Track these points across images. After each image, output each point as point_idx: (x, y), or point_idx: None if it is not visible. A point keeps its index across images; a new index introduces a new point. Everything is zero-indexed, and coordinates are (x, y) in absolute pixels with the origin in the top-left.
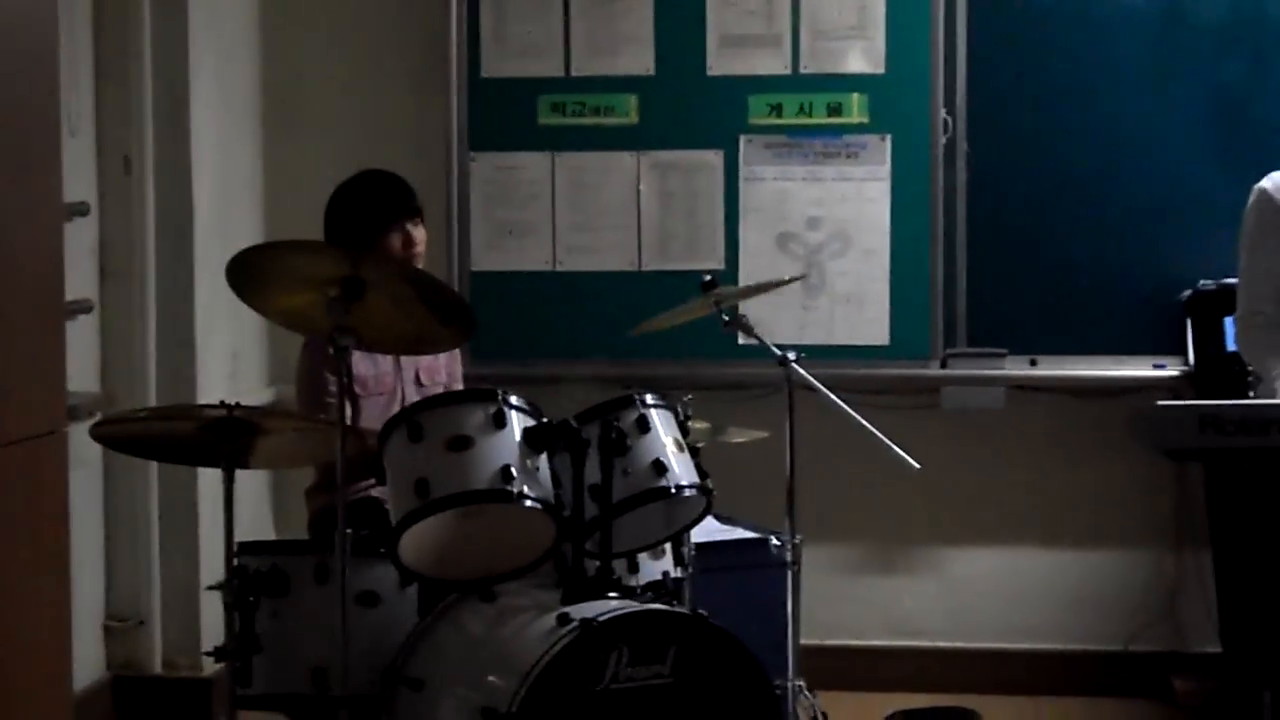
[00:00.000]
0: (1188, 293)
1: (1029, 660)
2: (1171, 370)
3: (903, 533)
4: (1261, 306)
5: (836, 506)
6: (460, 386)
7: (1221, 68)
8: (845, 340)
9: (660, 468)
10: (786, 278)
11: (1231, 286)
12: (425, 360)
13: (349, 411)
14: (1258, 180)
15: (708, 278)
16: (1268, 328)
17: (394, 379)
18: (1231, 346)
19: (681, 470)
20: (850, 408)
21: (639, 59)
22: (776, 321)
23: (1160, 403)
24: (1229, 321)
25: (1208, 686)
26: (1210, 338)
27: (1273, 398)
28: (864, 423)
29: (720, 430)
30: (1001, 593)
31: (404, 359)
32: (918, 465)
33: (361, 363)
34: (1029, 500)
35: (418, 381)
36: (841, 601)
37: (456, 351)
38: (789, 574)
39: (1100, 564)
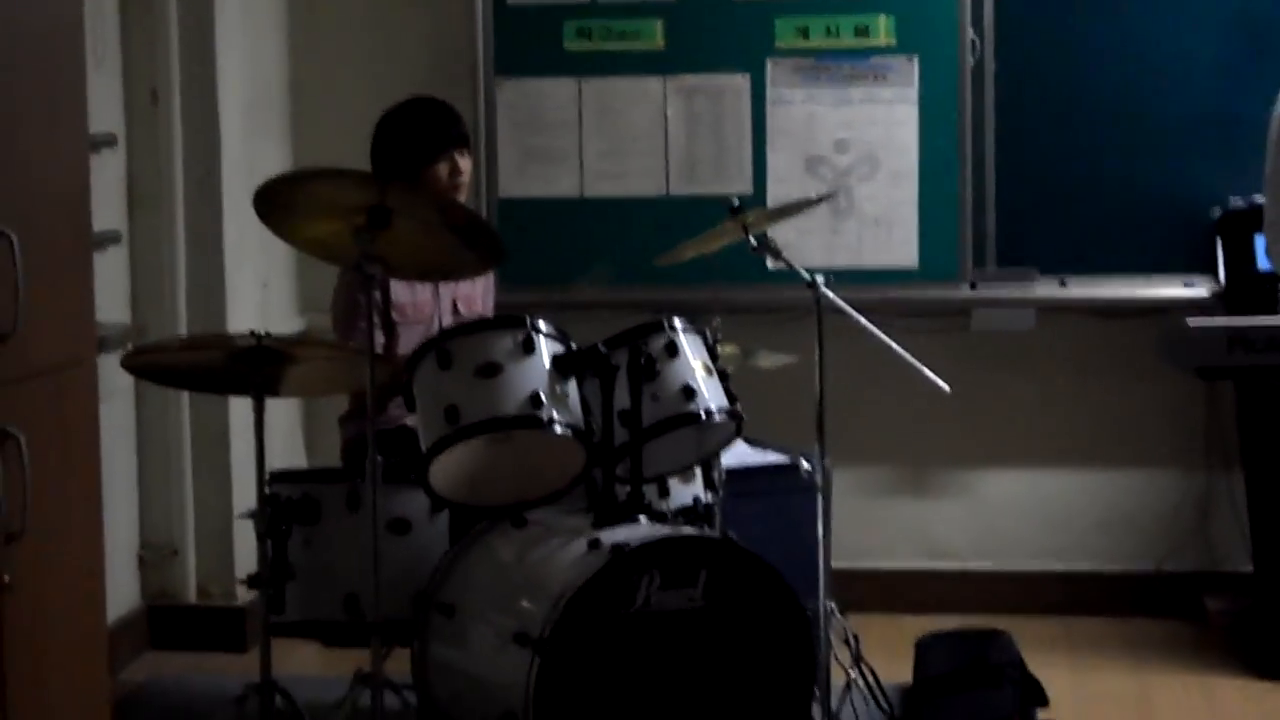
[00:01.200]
0: (1218, 211)
1: (1059, 581)
2: (1202, 289)
3: (933, 455)
4: None
5: (866, 430)
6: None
7: None
8: (874, 263)
9: (689, 392)
10: (814, 196)
11: (1262, 205)
12: (464, 289)
13: (387, 338)
14: None
15: (735, 202)
16: None
17: (432, 307)
18: (1263, 264)
19: (711, 395)
20: (879, 330)
21: None
22: (805, 245)
23: (1190, 321)
24: (1259, 239)
25: (1239, 605)
26: (1241, 256)
27: None
28: (893, 345)
29: (749, 354)
30: (1032, 514)
31: (442, 287)
32: (947, 387)
33: (401, 290)
34: (1059, 421)
35: (455, 310)
36: (872, 524)
37: (492, 280)
38: (819, 497)
39: (1131, 484)
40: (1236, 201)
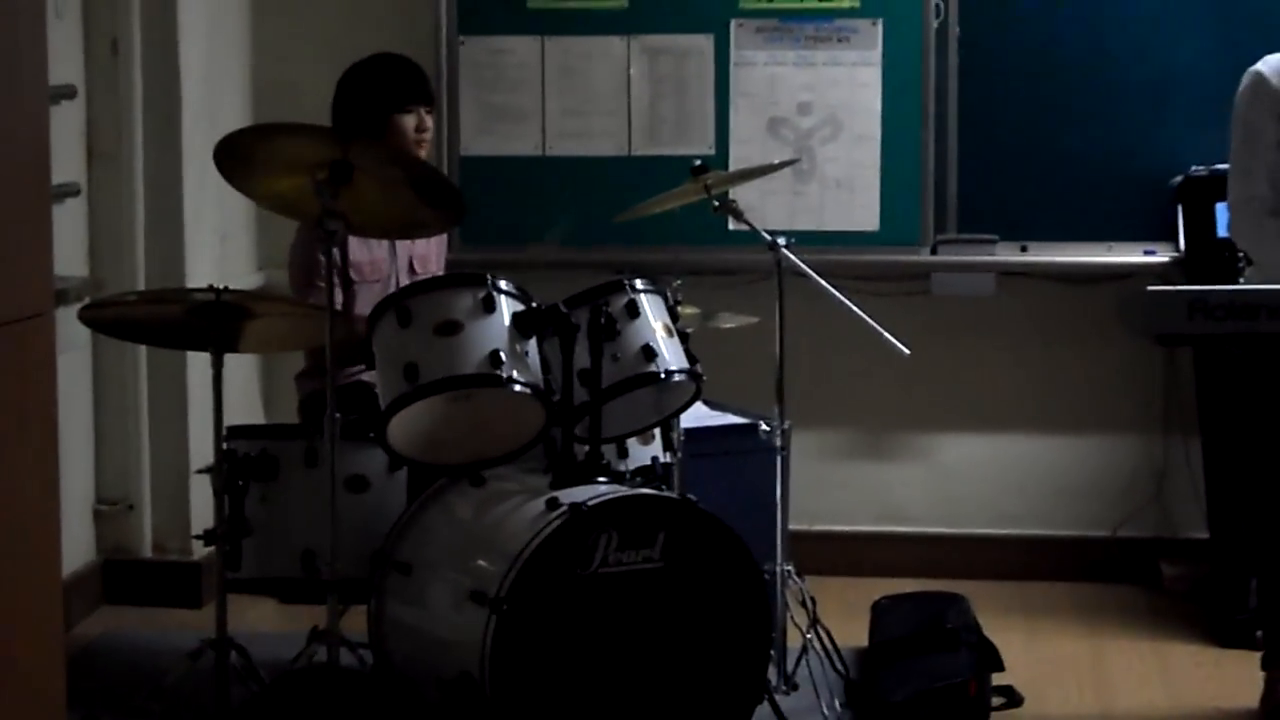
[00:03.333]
0: (1179, 178)
1: (1016, 546)
2: (1162, 256)
3: (892, 419)
4: (1257, 191)
5: (826, 392)
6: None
7: None
8: (836, 226)
9: (650, 353)
10: (777, 162)
11: (1223, 173)
12: (419, 248)
13: (344, 297)
14: (1250, 66)
15: (698, 163)
16: (1265, 213)
17: (388, 265)
18: (1223, 232)
19: (671, 355)
20: (840, 293)
21: None
22: (767, 207)
23: (1150, 288)
24: (1220, 207)
25: (1195, 572)
26: (1201, 223)
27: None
28: (854, 308)
29: (710, 316)
30: (990, 479)
31: (399, 246)
32: (907, 351)
33: (358, 249)
34: (1018, 386)
35: (411, 269)
36: (830, 487)
37: (444, 240)
38: (778, 459)
39: (1089, 450)
40: (1197, 169)
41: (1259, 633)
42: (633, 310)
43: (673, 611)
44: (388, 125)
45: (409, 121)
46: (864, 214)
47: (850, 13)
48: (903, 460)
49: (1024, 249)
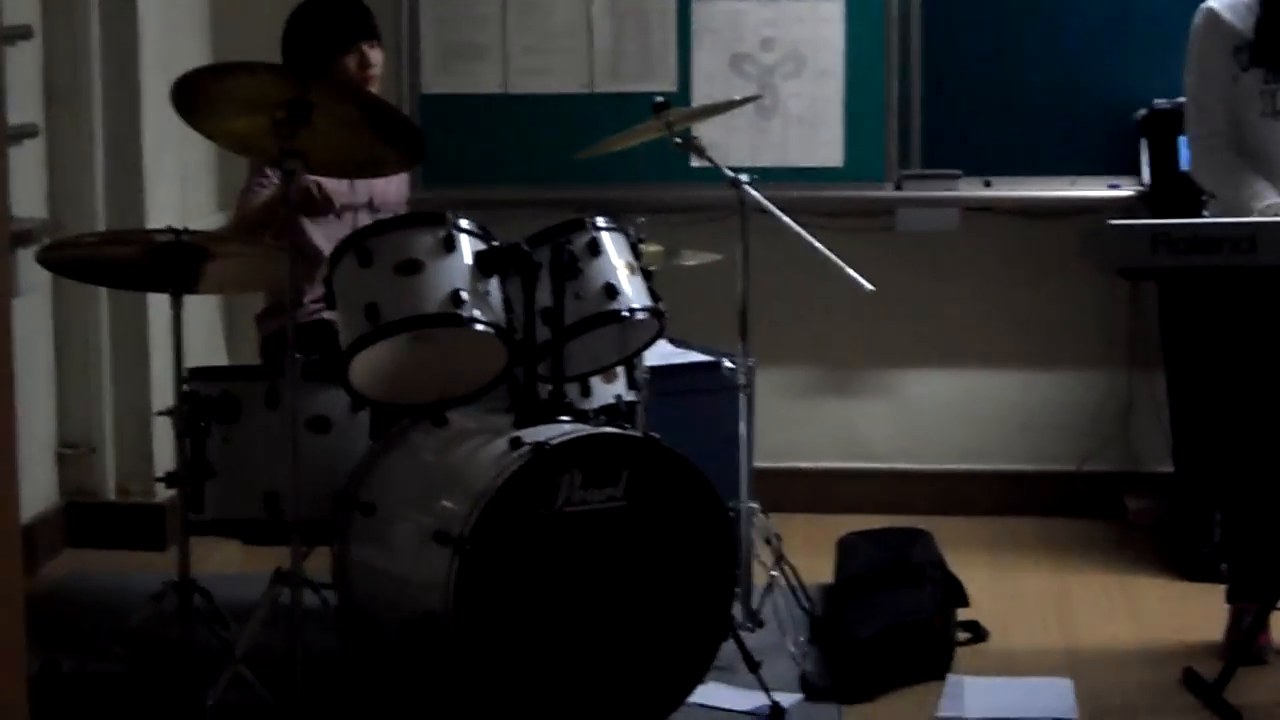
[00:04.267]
0: (1142, 112)
1: (982, 481)
2: (1126, 190)
3: (856, 355)
4: (1216, 126)
5: (790, 329)
6: None
7: None
8: (799, 162)
9: (612, 291)
10: (740, 98)
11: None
12: (378, 185)
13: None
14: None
15: (660, 99)
16: (1226, 149)
17: (347, 197)
18: (1186, 166)
19: (634, 293)
20: (804, 230)
21: None
22: (730, 144)
23: (1113, 221)
24: (1183, 140)
25: (1160, 506)
26: (1165, 157)
27: (1247, 215)
28: (818, 245)
29: (673, 253)
30: (955, 414)
31: (358, 183)
32: (871, 287)
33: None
34: (983, 322)
35: (371, 206)
36: (795, 424)
37: (406, 179)
38: (742, 397)
39: (1054, 385)
40: (1160, 103)
41: (1224, 566)
42: (595, 248)
43: (637, 550)
44: (330, 69)
45: (350, 62)
46: (827, 150)
47: None
48: (867, 396)
49: (988, 184)
